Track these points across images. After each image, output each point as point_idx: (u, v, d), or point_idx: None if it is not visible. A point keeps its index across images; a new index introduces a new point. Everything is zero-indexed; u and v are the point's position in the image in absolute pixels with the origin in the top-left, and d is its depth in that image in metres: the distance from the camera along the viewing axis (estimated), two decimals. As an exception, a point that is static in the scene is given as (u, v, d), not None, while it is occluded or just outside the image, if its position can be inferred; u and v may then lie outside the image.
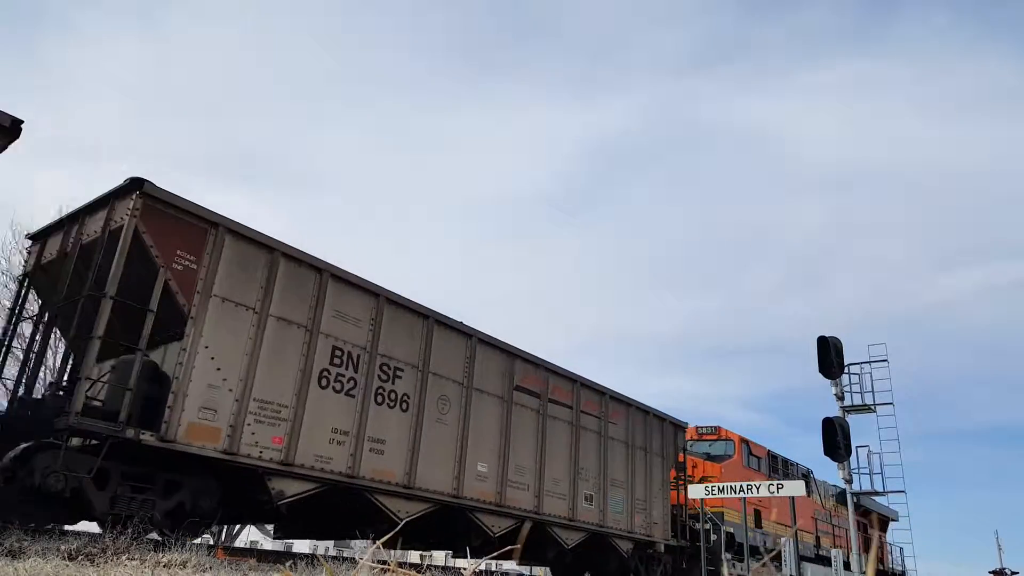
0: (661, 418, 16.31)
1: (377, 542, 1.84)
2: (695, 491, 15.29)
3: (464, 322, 11.52)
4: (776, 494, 14.09)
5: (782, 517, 20.10)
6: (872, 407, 16.90)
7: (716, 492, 14.66)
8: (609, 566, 14.36)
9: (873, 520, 29.44)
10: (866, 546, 26.78)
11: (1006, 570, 30.69)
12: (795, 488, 13.91)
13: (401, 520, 9.48)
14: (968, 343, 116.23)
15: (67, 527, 8.21)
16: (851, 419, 16.73)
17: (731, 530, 17.42)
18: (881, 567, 28.69)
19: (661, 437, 16.08)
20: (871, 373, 17.05)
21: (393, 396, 9.84)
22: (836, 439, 15.95)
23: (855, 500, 27.05)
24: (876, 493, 16.23)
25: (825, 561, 22.31)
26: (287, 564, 8.81)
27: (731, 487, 14.52)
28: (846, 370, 17.06)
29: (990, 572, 30.99)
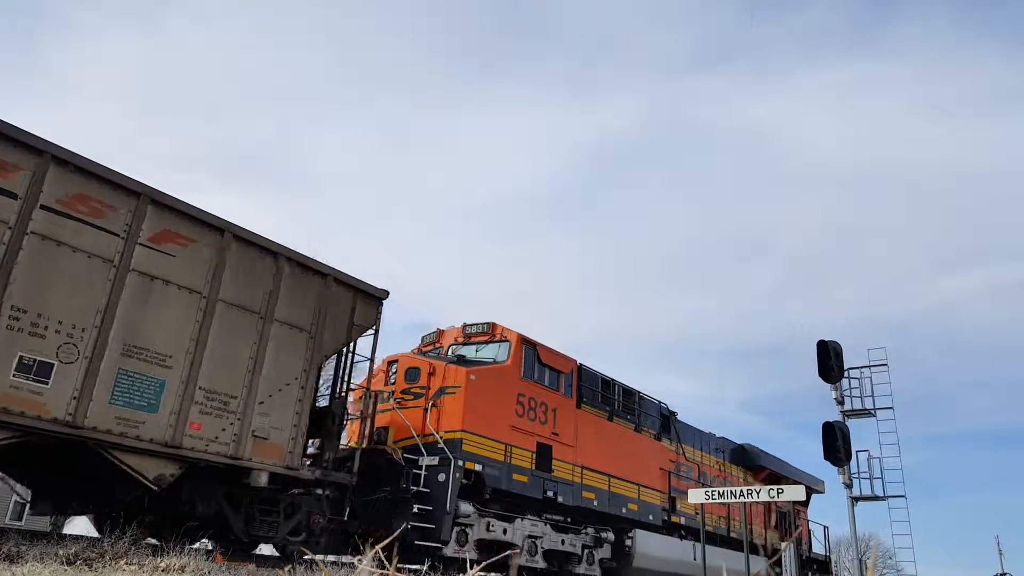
0: (317, 272, 9.99)
1: (376, 547, 1.84)
2: (695, 495, 15.18)
3: None
4: (777, 499, 13.96)
5: (585, 456, 13.78)
6: (872, 411, 16.90)
7: (716, 496, 14.56)
8: (129, 498, 8.24)
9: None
10: (776, 523, 21.36)
11: (1007, 574, 30.64)
12: (795, 492, 13.82)
13: None
14: (969, 345, 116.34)
15: (65, 531, 8.19)
16: (851, 423, 16.74)
17: (478, 468, 11.40)
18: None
19: (317, 304, 9.85)
20: (871, 377, 17.08)
21: None
22: (836, 443, 15.95)
23: (752, 458, 20.46)
24: (876, 498, 16.20)
25: (678, 531, 16.30)
26: (286, 569, 8.78)
27: (731, 491, 14.38)
28: (846, 374, 17.08)
29: (991, 577, 30.90)
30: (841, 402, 16.93)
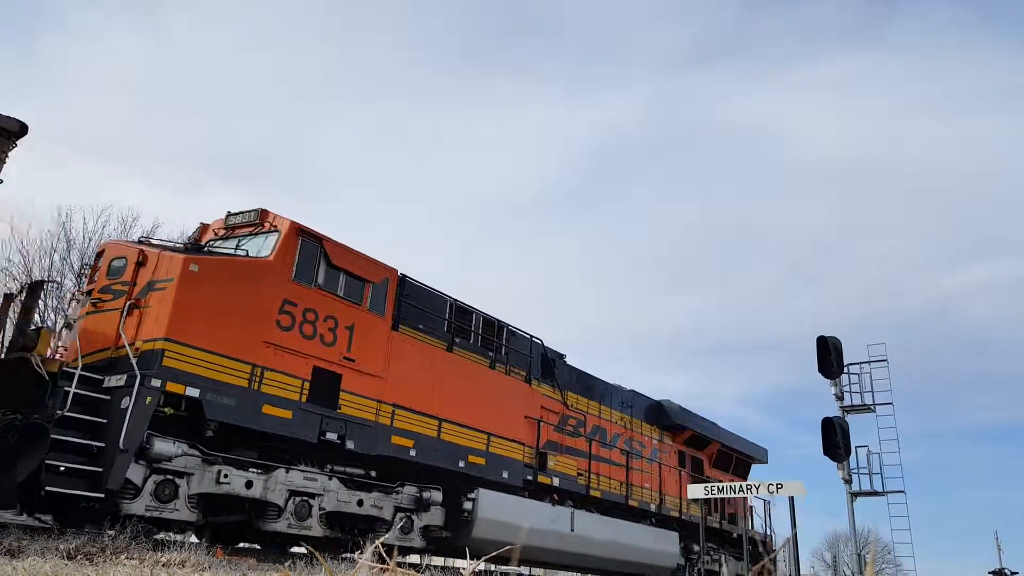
0: None
1: (377, 541, 1.84)
2: (694, 491, 15.14)
3: None
4: (775, 494, 13.98)
5: (401, 392, 10.70)
6: (872, 407, 16.94)
7: (716, 492, 14.54)
8: None
9: (710, 454, 19.48)
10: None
11: (1005, 570, 30.75)
12: (794, 488, 13.82)
13: None
14: (970, 341, 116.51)
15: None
16: (851, 419, 16.78)
17: (193, 393, 8.25)
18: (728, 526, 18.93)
19: None
20: (870, 373, 17.14)
21: None
22: (835, 439, 15.98)
23: (670, 416, 17.74)
24: (875, 493, 16.24)
25: (549, 494, 13.21)
26: (286, 564, 8.81)
27: (731, 487, 14.34)
28: (845, 370, 17.13)
29: (989, 572, 31.05)
30: (841, 398, 16.97)
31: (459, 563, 13.85)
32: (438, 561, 13.26)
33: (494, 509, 11.53)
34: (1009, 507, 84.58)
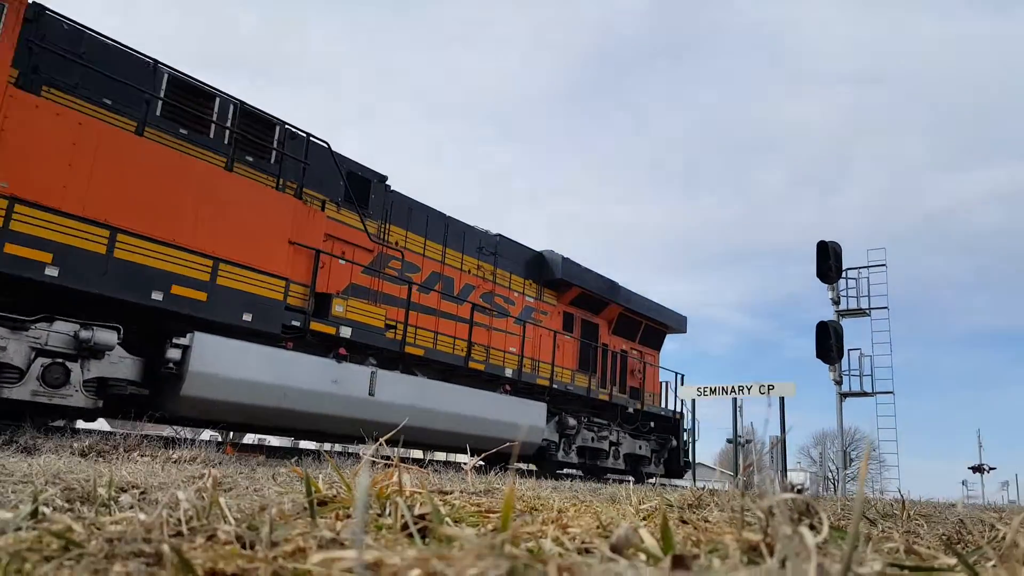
0: None
1: (381, 439, 1.87)
2: (686, 392, 15.53)
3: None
4: (767, 395, 14.37)
5: (22, 180, 7.12)
6: (867, 311, 17.16)
7: (709, 393, 14.96)
8: None
9: (609, 318, 16.45)
10: (581, 360, 15.27)
11: (984, 465, 32.19)
12: (785, 390, 14.15)
13: None
14: (973, 248, 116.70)
15: (79, 425, 8.46)
16: (846, 323, 17.02)
17: None
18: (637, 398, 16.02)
19: None
20: (868, 278, 17.26)
21: None
22: (829, 342, 16.27)
23: (552, 270, 14.70)
24: (865, 394, 16.69)
25: (333, 348, 10.00)
26: (293, 460, 9.14)
27: (723, 388, 14.72)
28: (844, 275, 17.23)
29: (969, 467, 32.51)
30: (837, 302, 17.17)
31: (461, 458, 14.21)
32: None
33: (218, 360, 8.48)
34: (993, 407, 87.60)
